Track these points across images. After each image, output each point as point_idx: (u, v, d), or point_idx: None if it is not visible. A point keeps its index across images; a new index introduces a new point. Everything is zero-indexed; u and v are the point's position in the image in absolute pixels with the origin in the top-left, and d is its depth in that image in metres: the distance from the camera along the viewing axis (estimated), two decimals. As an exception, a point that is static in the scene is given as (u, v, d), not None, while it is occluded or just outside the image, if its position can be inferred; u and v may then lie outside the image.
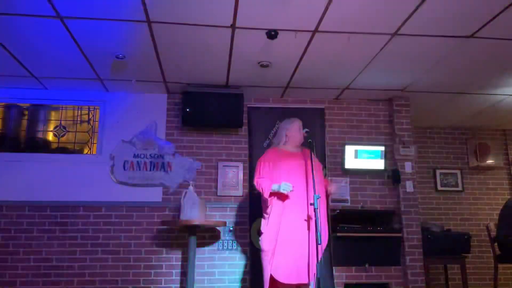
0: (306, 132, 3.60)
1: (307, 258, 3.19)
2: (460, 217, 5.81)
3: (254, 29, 3.38)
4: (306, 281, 3.17)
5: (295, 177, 3.36)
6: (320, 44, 3.62)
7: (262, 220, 3.45)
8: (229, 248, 4.54)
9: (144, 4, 3.00)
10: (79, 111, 4.85)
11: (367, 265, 4.51)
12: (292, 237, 3.24)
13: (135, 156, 4.60)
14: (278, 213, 3.31)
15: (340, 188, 3.58)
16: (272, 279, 3.24)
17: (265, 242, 3.31)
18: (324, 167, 4.60)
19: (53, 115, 4.82)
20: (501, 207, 4.89)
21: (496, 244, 4.82)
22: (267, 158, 3.51)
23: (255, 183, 3.45)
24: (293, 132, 3.58)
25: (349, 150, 4.85)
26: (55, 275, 4.28)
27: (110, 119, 4.73)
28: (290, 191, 3.21)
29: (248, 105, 4.85)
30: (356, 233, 4.50)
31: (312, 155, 3.40)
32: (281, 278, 3.20)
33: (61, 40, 3.53)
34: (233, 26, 3.32)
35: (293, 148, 3.57)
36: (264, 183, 3.34)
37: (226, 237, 4.56)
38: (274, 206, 3.34)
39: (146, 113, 4.75)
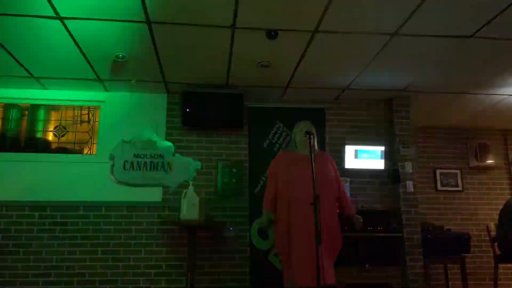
0: (306, 133, 3.58)
1: (315, 261, 3.17)
2: (460, 217, 5.81)
3: (254, 29, 3.38)
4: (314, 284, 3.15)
5: (300, 180, 3.32)
6: (320, 44, 3.62)
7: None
8: (229, 248, 4.54)
9: (144, 4, 3.00)
10: (79, 111, 4.85)
11: (367, 265, 4.51)
12: (302, 241, 3.24)
13: (135, 156, 4.59)
14: (285, 217, 3.35)
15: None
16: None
17: (278, 246, 3.43)
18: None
19: (53, 115, 4.82)
20: (501, 207, 4.88)
21: (496, 244, 4.82)
22: (274, 164, 3.58)
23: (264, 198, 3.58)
24: (297, 135, 3.56)
25: (349, 150, 4.85)
26: (55, 275, 4.28)
27: (110, 119, 4.73)
28: None
29: (248, 105, 4.85)
30: (356, 233, 4.48)
31: (323, 156, 3.55)
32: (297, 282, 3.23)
33: (61, 40, 3.53)
34: (233, 26, 3.32)
35: (303, 151, 3.48)
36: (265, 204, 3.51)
37: (226, 237, 4.56)
38: (280, 211, 3.39)
39: (146, 113, 4.75)
